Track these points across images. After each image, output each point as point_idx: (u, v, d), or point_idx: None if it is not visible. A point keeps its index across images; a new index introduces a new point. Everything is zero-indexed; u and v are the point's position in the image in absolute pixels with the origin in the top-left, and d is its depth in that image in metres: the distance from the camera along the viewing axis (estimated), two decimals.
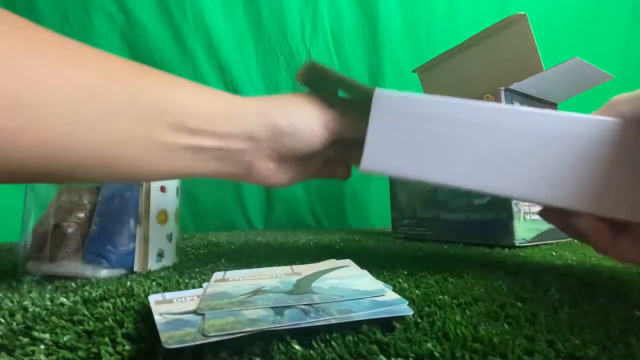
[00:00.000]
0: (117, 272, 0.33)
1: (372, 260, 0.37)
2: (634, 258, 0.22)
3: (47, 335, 0.18)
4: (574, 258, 0.37)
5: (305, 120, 0.27)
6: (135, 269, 0.34)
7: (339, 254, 0.42)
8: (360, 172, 0.25)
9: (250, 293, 0.22)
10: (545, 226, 0.49)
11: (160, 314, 0.19)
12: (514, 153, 0.22)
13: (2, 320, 0.20)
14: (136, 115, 0.22)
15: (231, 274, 0.29)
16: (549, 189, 0.22)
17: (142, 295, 0.24)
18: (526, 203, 0.47)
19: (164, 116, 0.23)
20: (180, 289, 0.26)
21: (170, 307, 0.20)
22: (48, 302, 0.23)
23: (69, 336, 0.18)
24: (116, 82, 0.21)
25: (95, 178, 0.24)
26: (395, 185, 0.66)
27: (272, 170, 0.29)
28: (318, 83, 0.31)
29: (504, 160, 0.22)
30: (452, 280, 0.27)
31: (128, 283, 0.28)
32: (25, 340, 0.17)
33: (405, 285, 0.26)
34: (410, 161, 0.24)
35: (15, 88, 0.17)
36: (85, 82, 0.20)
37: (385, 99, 0.24)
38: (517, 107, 0.24)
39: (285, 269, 0.31)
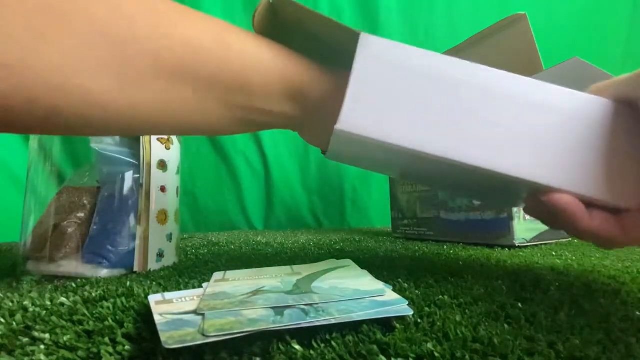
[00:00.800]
0: (117, 272, 0.33)
1: (372, 260, 0.37)
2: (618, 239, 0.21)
3: (47, 335, 0.18)
4: (574, 258, 0.37)
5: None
6: (135, 269, 0.34)
7: (339, 254, 0.42)
8: (335, 133, 0.21)
9: (250, 293, 0.22)
10: (545, 226, 0.49)
11: (160, 314, 0.19)
12: (511, 125, 0.21)
13: (2, 320, 0.20)
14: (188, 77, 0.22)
15: (231, 274, 0.29)
16: (541, 166, 0.20)
17: (142, 295, 0.24)
18: None
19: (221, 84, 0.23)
20: (180, 289, 0.26)
21: (170, 307, 0.20)
22: (48, 302, 0.23)
23: (69, 336, 0.18)
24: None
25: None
26: (395, 185, 0.66)
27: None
28: (280, 30, 0.26)
29: (499, 131, 0.20)
30: (452, 280, 0.27)
31: (128, 283, 0.28)
32: (25, 340, 0.17)
33: (405, 285, 0.26)
34: (395, 124, 0.20)
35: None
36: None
37: (373, 46, 0.21)
38: (524, 77, 0.21)
39: (285, 269, 0.31)
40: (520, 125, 0.21)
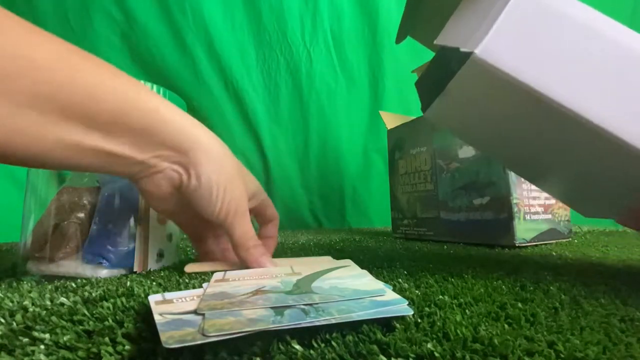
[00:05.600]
0: (117, 272, 0.33)
1: (372, 260, 0.37)
2: None
3: (47, 335, 0.18)
4: (574, 258, 0.37)
5: (230, 178, 0.29)
6: (135, 269, 0.34)
7: (339, 254, 0.42)
8: (474, 59, 0.20)
9: (250, 293, 0.22)
10: (545, 226, 0.49)
11: (160, 314, 0.19)
12: None
13: (2, 320, 0.20)
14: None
15: (231, 274, 0.29)
16: None
17: (142, 295, 0.24)
18: (526, 203, 0.47)
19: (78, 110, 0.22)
20: (180, 289, 0.26)
21: (170, 307, 0.20)
22: (48, 302, 0.23)
23: (69, 336, 0.18)
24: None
25: None
26: (396, 185, 0.66)
27: (162, 196, 0.29)
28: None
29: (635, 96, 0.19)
30: (452, 280, 0.27)
31: (128, 283, 0.28)
32: (25, 340, 0.17)
33: (405, 285, 0.26)
34: (536, 68, 0.19)
35: None
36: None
37: None
38: None
39: (285, 269, 0.31)
40: None
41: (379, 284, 0.24)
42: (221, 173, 0.28)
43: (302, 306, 0.19)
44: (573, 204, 0.31)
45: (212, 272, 0.31)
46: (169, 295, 0.23)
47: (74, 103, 0.21)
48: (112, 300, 0.23)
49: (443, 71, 0.21)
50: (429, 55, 0.36)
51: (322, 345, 0.16)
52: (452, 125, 0.28)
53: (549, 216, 0.50)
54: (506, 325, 0.18)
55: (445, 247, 0.48)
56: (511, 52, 0.19)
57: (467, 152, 0.52)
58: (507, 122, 0.24)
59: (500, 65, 0.19)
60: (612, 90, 0.19)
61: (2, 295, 0.25)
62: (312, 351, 0.16)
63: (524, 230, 0.46)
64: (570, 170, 0.26)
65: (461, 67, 0.20)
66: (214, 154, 0.28)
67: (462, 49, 0.20)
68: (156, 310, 0.19)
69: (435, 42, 0.23)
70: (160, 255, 0.37)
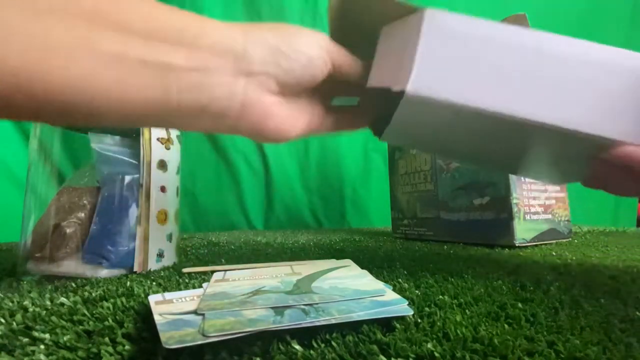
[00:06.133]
0: (117, 272, 0.33)
1: (372, 260, 0.37)
2: None
3: (47, 335, 0.18)
4: (574, 258, 0.37)
5: (308, 42, 0.23)
6: (135, 269, 0.34)
7: (339, 254, 0.42)
8: (407, 96, 0.21)
9: (250, 293, 0.22)
10: (545, 226, 0.49)
11: (160, 314, 0.19)
12: (577, 84, 0.21)
13: (2, 320, 0.20)
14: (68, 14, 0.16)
15: (231, 274, 0.29)
16: (609, 122, 0.21)
17: (142, 295, 0.24)
18: (526, 203, 0.47)
19: (109, 16, 0.17)
20: (180, 289, 0.26)
21: (170, 307, 0.20)
22: (48, 302, 0.23)
23: (69, 336, 0.18)
24: None
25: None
26: (396, 185, 0.66)
27: (275, 107, 0.23)
28: (351, 17, 0.26)
29: (565, 91, 0.21)
30: (452, 280, 0.27)
31: (128, 283, 0.28)
32: (25, 340, 0.17)
33: (405, 285, 0.26)
34: (459, 86, 0.21)
35: None
36: None
37: (437, 17, 0.22)
38: (585, 41, 0.22)
39: (285, 269, 0.31)
40: (585, 85, 0.21)
41: (379, 284, 0.24)
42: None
43: (302, 306, 0.19)
44: (543, 179, 0.37)
45: (212, 272, 0.31)
46: (169, 295, 0.23)
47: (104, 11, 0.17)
48: (112, 300, 0.23)
49: (385, 101, 0.22)
50: None
51: (322, 345, 0.16)
52: (408, 142, 0.30)
53: (549, 216, 0.50)
54: (506, 325, 0.18)
55: (445, 247, 0.48)
56: (437, 80, 0.21)
57: None
58: (459, 132, 0.26)
59: (432, 94, 0.21)
60: (533, 87, 0.21)
61: (2, 295, 0.25)
62: (312, 351, 0.16)
63: (524, 230, 0.46)
64: (532, 156, 0.28)
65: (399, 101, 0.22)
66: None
67: (393, 89, 0.22)
68: (156, 310, 0.19)
69: (367, 85, 0.24)
70: (160, 255, 0.37)
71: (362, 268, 0.30)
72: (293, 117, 0.25)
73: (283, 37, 0.22)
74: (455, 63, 0.21)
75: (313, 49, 0.23)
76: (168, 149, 0.38)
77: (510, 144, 0.26)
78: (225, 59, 0.20)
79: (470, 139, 0.27)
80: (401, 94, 0.21)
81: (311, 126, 0.27)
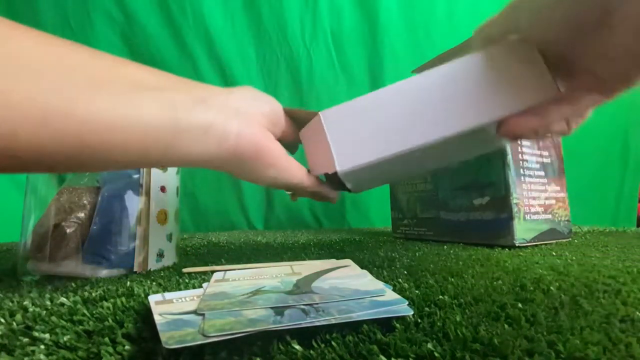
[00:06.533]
0: (117, 272, 0.33)
1: (372, 260, 0.37)
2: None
3: (47, 335, 0.18)
4: (574, 258, 0.37)
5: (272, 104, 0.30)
6: (135, 269, 0.34)
7: (339, 254, 0.42)
8: (341, 173, 0.28)
9: (250, 293, 0.22)
10: (545, 226, 0.49)
11: (160, 314, 0.19)
12: (436, 103, 0.27)
13: (2, 320, 0.20)
14: (123, 88, 0.21)
15: (231, 274, 0.29)
16: (473, 115, 0.27)
17: (142, 295, 0.24)
18: (526, 203, 0.47)
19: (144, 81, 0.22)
20: (180, 289, 0.26)
21: (170, 307, 0.20)
22: (48, 302, 0.23)
23: (69, 336, 0.18)
24: (98, 59, 0.21)
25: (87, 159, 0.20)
26: (396, 185, 0.66)
27: (265, 135, 0.27)
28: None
29: (431, 110, 0.27)
30: (452, 280, 0.27)
31: (128, 283, 0.28)
32: (25, 340, 0.17)
33: (405, 285, 0.26)
34: (369, 147, 0.28)
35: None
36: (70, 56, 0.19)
37: (328, 113, 0.29)
38: (416, 78, 0.29)
39: (285, 269, 0.31)
40: (443, 98, 0.27)
41: (379, 284, 0.24)
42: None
43: (302, 306, 0.19)
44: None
45: (212, 272, 0.31)
46: (169, 295, 0.23)
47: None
48: (112, 300, 0.23)
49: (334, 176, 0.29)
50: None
51: (322, 345, 0.16)
52: (374, 186, 0.39)
53: (549, 216, 0.50)
54: (506, 325, 0.18)
55: (445, 247, 0.48)
56: (352, 152, 0.28)
57: None
58: (398, 168, 0.33)
59: (355, 163, 0.28)
60: (415, 119, 0.27)
61: (2, 295, 0.25)
62: (312, 351, 0.16)
63: (524, 230, 0.46)
64: (460, 155, 0.38)
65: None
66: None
67: (329, 173, 0.29)
68: (156, 310, 0.19)
69: (312, 174, 0.31)
70: (160, 255, 0.37)
71: (362, 268, 0.30)
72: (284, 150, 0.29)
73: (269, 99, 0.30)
74: (357, 134, 0.28)
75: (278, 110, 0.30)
76: None
77: (440, 156, 0.33)
78: (221, 98, 0.25)
79: (410, 166, 0.35)
80: (336, 173, 0.28)
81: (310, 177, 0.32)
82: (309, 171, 0.31)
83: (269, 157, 0.27)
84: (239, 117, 0.25)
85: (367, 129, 0.28)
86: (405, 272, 0.31)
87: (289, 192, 0.36)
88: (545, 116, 0.26)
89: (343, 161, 0.28)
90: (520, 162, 0.48)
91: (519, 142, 0.48)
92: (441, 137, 0.27)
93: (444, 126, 0.27)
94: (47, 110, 0.18)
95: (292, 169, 0.29)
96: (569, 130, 0.29)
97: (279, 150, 0.28)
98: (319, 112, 0.29)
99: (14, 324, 0.19)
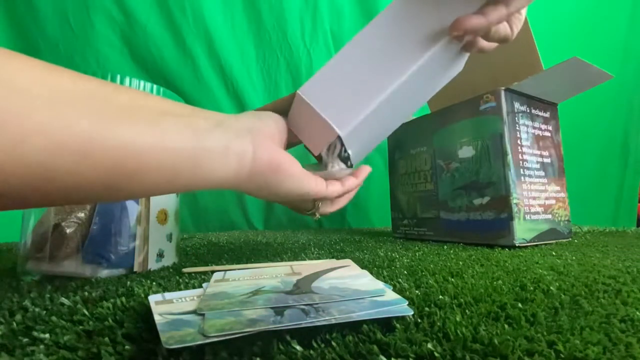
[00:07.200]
0: (117, 272, 0.33)
1: (372, 260, 0.37)
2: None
3: (47, 335, 0.18)
4: (574, 258, 0.37)
5: (273, 115, 0.31)
6: (135, 269, 0.34)
7: (339, 254, 0.42)
8: (344, 137, 0.29)
9: (250, 293, 0.22)
10: (545, 226, 0.49)
11: (160, 314, 0.19)
12: (394, 42, 0.30)
13: (2, 320, 0.20)
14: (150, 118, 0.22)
15: (231, 274, 0.29)
16: (430, 37, 0.30)
17: (142, 295, 0.24)
18: (526, 203, 0.47)
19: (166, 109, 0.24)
20: (180, 289, 0.26)
21: (170, 307, 0.20)
22: (48, 302, 0.23)
23: (69, 336, 0.18)
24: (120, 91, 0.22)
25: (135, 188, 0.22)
26: (396, 185, 0.66)
27: (277, 149, 0.29)
28: None
29: (395, 49, 0.30)
30: (452, 280, 0.27)
31: (128, 283, 0.28)
32: (25, 340, 0.17)
33: (405, 285, 0.26)
34: (354, 104, 0.30)
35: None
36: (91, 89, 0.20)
37: (306, 87, 0.30)
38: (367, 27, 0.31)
39: (285, 269, 0.31)
40: (401, 33, 0.31)
41: (379, 284, 0.24)
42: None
43: (302, 306, 0.19)
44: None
45: (212, 272, 0.31)
46: (169, 295, 0.23)
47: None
48: (112, 300, 0.23)
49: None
50: None
51: (322, 345, 0.16)
52: (364, 153, 0.40)
53: (549, 216, 0.50)
54: (506, 325, 0.18)
55: (445, 247, 0.48)
56: (341, 112, 0.30)
57: (466, 152, 0.52)
58: (389, 116, 0.36)
59: (352, 122, 0.29)
60: (381, 67, 0.30)
61: (2, 295, 0.25)
62: (312, 351, 0.16)
63: (524, 230, 0.46)
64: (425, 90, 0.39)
65: None
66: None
67: (332, 143, 0.32)
68: (156, 310, 0.19)
69: (314, 154, 0.33)
70: (160, 255, 0.37)
71: (362, 268, 0.30)
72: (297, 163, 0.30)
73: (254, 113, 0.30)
74: (339, 97, 0.30)
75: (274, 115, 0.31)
76: None
77: (418, 89, 0.35)
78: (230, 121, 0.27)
79: (397, 110, 0.36)
80: (339, 140, 0.30)
81: (319, 183, 0.33)
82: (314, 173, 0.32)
83: (285, 169, 0.28)
84: (251, 135, 0.26)
85: (345, 89, 0.30)
86: (405, 272, 0.31)
87: (308, 213, 0.38)
88: (486, 15, 0.30)
89: (340, 124, 0.29)
90: (521, 162, 0.48)
91: (511, 120, 0.48)
92: (412, 68, 0.29)
93: (411, 57, 0.29)
94: (87, 139, 0.18)
95: (307, 177, 0.30)
96: (512, 33, 0.33)
97: (291, 161, 0.29)
98: (296, 91, 0.30)
99: (14, 324, 0.19)
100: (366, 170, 0.39)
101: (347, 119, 0.29)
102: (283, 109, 0.32)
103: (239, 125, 0.27)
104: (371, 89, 0.30)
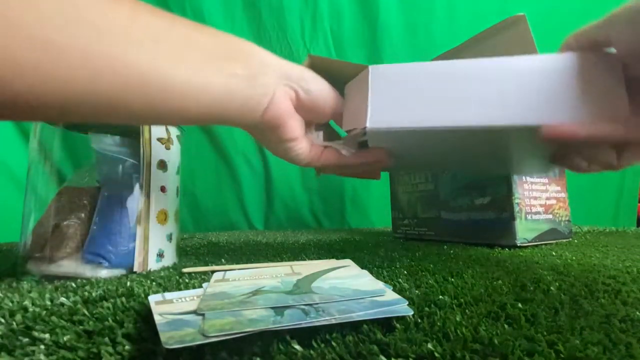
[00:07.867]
0: (117, 272, 0.33)
1: (372, 260, 0.37)
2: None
3: (47, 335, 0.18)
4: (574, 258, 0.37)
5: (325, 87, 0.30)
6: (135, 269, 0.34)
7: (339, 254, 0.42)
8: (368, 131, 0.27)
9: (250, 293, 0.22)
10: (546, 226, 0.49)
11: (160, 314, 0.19)
12: (490, 91, 0.26)
13: (2, 320, 0.20)
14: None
15: (231, 274, 0.29)
16: (534, 113, 0.25)
17: (142, 295, 0.24)
18: (527, 203, 0.47)
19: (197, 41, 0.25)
20: (180, 289, 0.26)
21: (170, 307, 0.20)
22: (48, 302, 0.23)
23: (69, 336, 0.18)
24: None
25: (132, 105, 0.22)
26: (396, 185, 0.66)
27: (292, 110, 0.29)
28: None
29: (483, 97, 0.26)
30: (452, 280, 0.27)
31: (128, 283, 0.28)
32: (25, 340, 0.17)
33: (405, 285, 0.26)
34: (407, 114, 0.26)
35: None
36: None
37: (379, 69, 0.28)
38: (485, 58, 0.27)
39: (285, 269, 0.31)
40: (500, 88, 0.26)
41: (379, 284, 0.24)
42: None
43: (302, 306, 0.19)
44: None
45: (212, 272, 0.31)
46: (169, 295, 0.23)
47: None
48: (112, 300, 0.23)
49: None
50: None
51: (322, 345, 0.16)
52: (400, 165, 0.39)
53: (550, 216, 0.50)
54: (506, 325, 0.18)
55: (445, 247, 0.48)
56: (388, 114, 0.26)
57: None
58: (429, 150, 0.32)
59: (387, 125, 0.26)
60: (463, 101, 0.26)
61: (2, 295, 0.25)
62: (312, 351, 0.16)
63: (525, 230, 0.46)
64: (503, 156, 0.35)
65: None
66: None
67: (359, 128, 0.27)
68: (156, 310, 0.19)
69: (342, 128, 0.32)
70: (160, 255, 0.37)
71: (362, 268, 0.30)
72: (302, 129, 0.31)
73: (310, 72, 0.30)
74: (400, 99, 0.27)
75: (329, 93, 0.31)
76: (168, 149, 0.38)
77: (477, 150, 0.32)
78: (271, 69, 0.28)
79: (436, 152, 0.33)
80: (364, 131, 0.27)
81: (309, 153, 0.33)
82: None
83: (286, 132, 0.29)
84: (278, 89, 0.28)
85: (413, 95, 0.26)
86: (405, 272, 0.31)
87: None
88: (597, 131, 0.24)
89: (376, 119, 0.27)
90: None
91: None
92: (490, 124, 0.25)
93: (498, 114, 0.25)
94: (145, 74, 0.21)
95: (303, 150, 0.32)
96: (618, 165, 0.26)
97: (297, 129, 0.30)
98: (369, 66, 0.28)
99: (14, 324, 0.19)
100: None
101: (388, 119, 0.27)
102: (345, 73, 0.31)
103: (281, 69, 0.28)
104: (436, 113, 0.26)
